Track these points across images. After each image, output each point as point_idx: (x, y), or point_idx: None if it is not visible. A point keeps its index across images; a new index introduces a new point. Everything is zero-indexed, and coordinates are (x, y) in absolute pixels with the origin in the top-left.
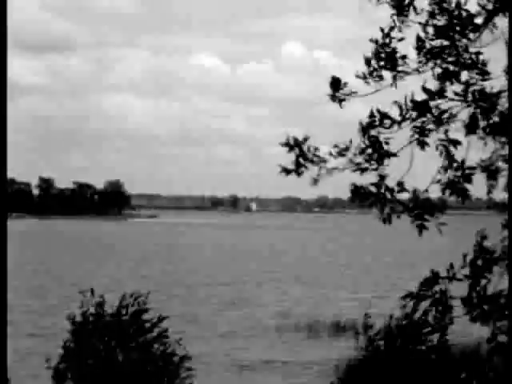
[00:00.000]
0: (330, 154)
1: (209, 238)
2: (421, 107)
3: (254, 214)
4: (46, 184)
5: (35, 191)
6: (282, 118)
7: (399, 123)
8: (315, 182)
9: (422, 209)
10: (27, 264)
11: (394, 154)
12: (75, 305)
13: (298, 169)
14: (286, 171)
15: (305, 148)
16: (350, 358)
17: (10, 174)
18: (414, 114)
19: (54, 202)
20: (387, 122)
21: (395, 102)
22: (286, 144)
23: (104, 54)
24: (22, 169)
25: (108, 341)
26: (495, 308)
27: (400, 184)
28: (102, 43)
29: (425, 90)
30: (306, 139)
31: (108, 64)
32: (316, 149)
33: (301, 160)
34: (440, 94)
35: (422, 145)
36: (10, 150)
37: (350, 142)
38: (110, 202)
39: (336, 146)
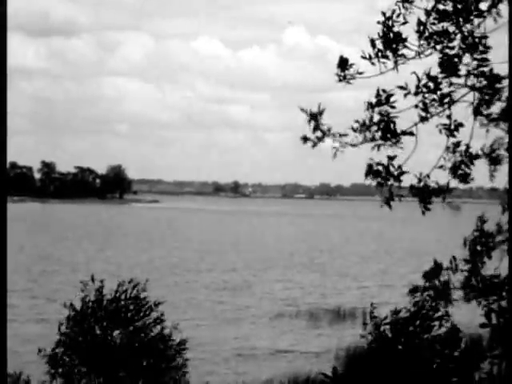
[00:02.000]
0: (352, 128)
1: (210, 223)
2: (434, 81)
3: (251, 199)
4: (47, 168)
5: (37, 175)
6: (284, 104)
7: (415, 94)
8: (335, 154)
9: (426, 191)
10: (28, 248)
11: (407, 133)
12: (76, 290)
13: (315, 139)
14: (305, 139)
15: (320, 120)
16: (352, 346)
17: (12, 158)
18: (425, 87)
19: (56, 186)
20: (400, 93)
21: (413, 73)
22: (305, 112)
23: (106, 37)
24: (24, 153)
25: (106, 325)
26: (492, 289)
27: (399, 167)
28: (104, 27)
29: (441, 65)
30: (321, 112)
31: (110, 48)
32: (329, 129)
33: (317, 133)
34: (454, 71)
35: (423, 120)
36: (12, 134)
37: (370, 119)
38: (111, 186)
39: (357, 121)
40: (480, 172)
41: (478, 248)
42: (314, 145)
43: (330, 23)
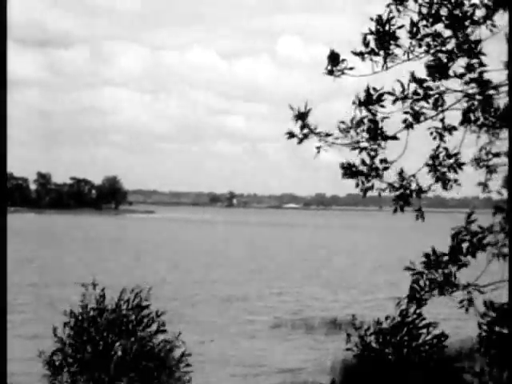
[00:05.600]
0: (338, 128)
1: (205, 233)
2: (420, 84)
3: (238, 209)
4: (43, 179)
5: (32, 186)
6: (279, 114)
7: (402, 99)
8: (318, 152)
9: (406, 189)
10: (24, 259)
11: (394, 137)
12: (71, 301)
13: (301, 136)
14: (291, 135)
15: (308, 120)
16: (345, 358)
17: (8, 169)
18: (414, 94)
19: (52, 196)
20: (389, 98)
21: (398, 80)
22: (295, 112)
23: (102, 48)
24: (20, 164)
25: (107, 334)
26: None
27: (384, 161)
28: (101, 38)
29: (429, 67)
30: (308, 111)
31: (106, 59)
32: (315, 127)
33: (304, 130)
34: (443, 73)
35: (409, 126)
36: (8, 145)
37: (359, 121)
38: (107, 197)
39: (343, 122)
40: (475, 181)
41: (463, 247)
42: (300, 141)
43: (324, 33)
